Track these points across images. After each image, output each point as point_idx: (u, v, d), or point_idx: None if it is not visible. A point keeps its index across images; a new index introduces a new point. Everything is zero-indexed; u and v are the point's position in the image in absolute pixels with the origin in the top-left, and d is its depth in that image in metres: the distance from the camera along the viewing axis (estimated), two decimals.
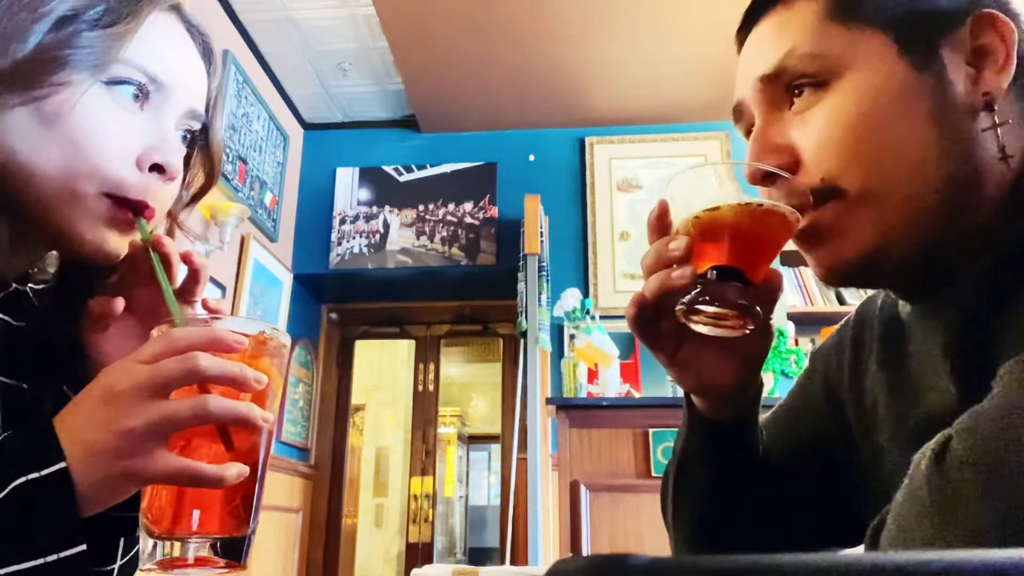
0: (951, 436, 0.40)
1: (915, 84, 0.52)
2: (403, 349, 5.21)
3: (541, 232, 3.13)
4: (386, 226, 3.89)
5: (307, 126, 4.10)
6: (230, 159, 3.17)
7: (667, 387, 2.96)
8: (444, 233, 3.85)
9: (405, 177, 3.97)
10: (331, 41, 3.47)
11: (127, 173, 0.58)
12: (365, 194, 3.95)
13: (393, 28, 3.19)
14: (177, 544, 0.50)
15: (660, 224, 0.59)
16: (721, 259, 0.55)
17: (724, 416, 0.64)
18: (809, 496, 0.68)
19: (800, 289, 3.40)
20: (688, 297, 0.54)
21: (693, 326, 0.56)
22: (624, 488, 2.35)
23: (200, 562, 0.50)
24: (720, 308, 0.54)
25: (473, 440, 7.81)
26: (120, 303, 0.61)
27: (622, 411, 2.45)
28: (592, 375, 2.78)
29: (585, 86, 3.60)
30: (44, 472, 0.45)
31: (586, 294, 3.54)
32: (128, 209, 0.59)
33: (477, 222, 3.85)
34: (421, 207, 3.90)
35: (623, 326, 0.62)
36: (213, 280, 3.02)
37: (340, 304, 4.29)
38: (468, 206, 3.88)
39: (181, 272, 0.63)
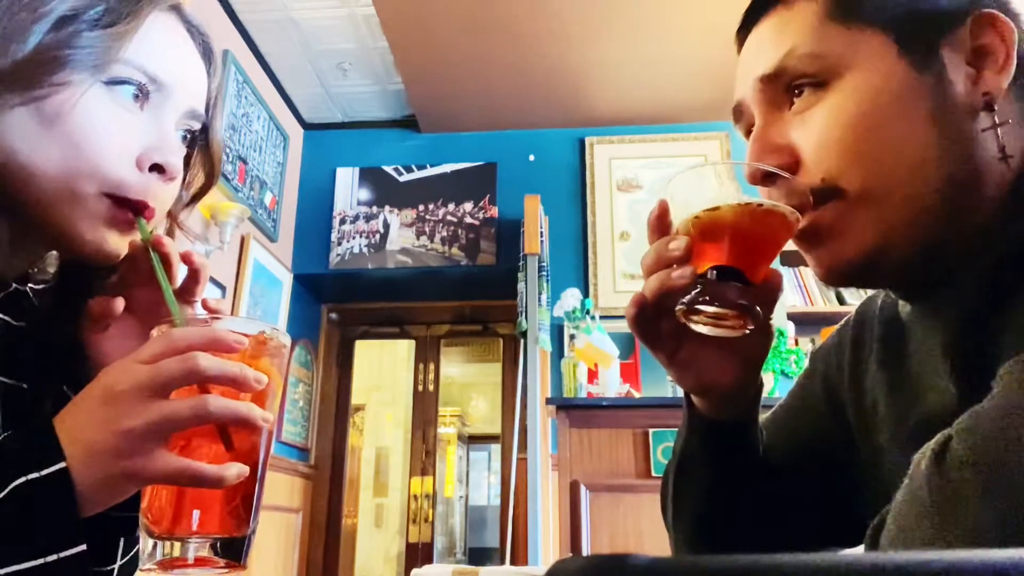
0: (951, 436, 0.40)
1: (915, 84, 0.52)
2: (403, 349, 5.21)
3: (541, 232, 3.13)
4: (386, 226, 3.89)
5: (307, 126, 4.10)
6: (230, 159, 3.17)
7: (667, 387, 2.96)
8: (444, 233, 3.85)
9: (405, 177, 3.97)
10: (331, 41, 3.47)
11: (127, 173, 0.58)
12: (365, 194, 3.95)
13: (393, 28, 3.19)
14: (177, 544, 0.50)
15: (660, 224, 0.59)
16: (721, 259, 0.55)
17: (724, 416, 0.64)
18: (809, 496, 0.68)
19: (800, 289, 3.40)
20: (688, 297, 0.54)
21: (693, 326, 0.56)
22: (624, 488, 2.35)
23: (200, 562, 0.50)
24: (720, 308, 0.54)
25: (473, 440, 7.81)
26: (120, 303, 0.61)
27: (622, 411, 2.45)
28: (592, 375, 2.78)
29: (585, 86, 3.60)
30: (44, 472, 0.45)
31: (586, 294, 3.54)
32: (128, 209, 0.59)
33: (477, 222, 3.85)
34: (421, 207, 3.90)
35: (623, 326, 0.62)
36: (213, 280, 3.02)
37: (340, 304, 4.29)
38: (468, 206, 3.88)
39: (181, 272, 0.63)
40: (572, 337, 2.95)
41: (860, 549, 0.61)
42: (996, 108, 0.52)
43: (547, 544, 2.72)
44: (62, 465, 0.46)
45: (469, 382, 7.70)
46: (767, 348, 0.62)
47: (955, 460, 0.38)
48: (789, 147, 0.56)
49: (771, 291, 0.57)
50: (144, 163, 0.59)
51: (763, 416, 0.72)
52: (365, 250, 3.85)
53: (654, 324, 0.59)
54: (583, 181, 3.84)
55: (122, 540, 0.61)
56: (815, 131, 0.55)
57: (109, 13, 0.57)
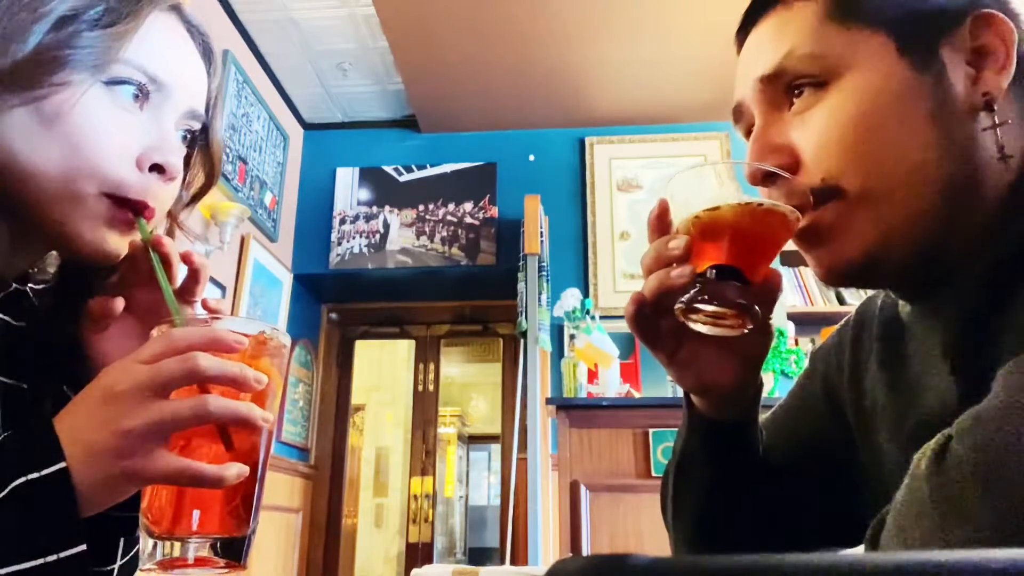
0: (951, 436, 0.40)
1: (915, 84, 0.52)
2: (403, 349, 5.21)
3: (541, 232, 3.13)
4: (386, 226, 3.89)
5: (307, 126, 4.10)
6: (230, 159, 3.17)
7: (667, 387, 2.96)
8: (444, 233, 3.85)
9: (405, 177, 3.97)
10: (331, 41, 3.47)
11: (127, 173, 0.58)
12: (365, 194, 3.95)
13: (393, 28, 3.19)
14: (177, 544, 0.50)
15: (660, 223, 0.59)
16: (721, 258, 0.55)
17: (724, 416, 0.64)
18: (809, 496, 0.68)
19: (800, 289, 3.40)
20: (687, 296, 0.54)
21: (692, 325, 0.56)
22: (624, 488, 2.35)
23: (200, 562, 0.50)
24: (719, 307, 0.54)
25: (473, 440, 7.81)
26: (120, 303, 0.61)
27: (622, 411, 2.45)
28: (592, 375, 2.78)
29: (585, 86, 3.60)
30: (44, 472, 0.45)
31: (586, 294, 3.54)
32: (128, 209, 0.59)
33: (477, 222, 3.85)
34: (421, 207, 3.90)
35: (623, 326, 0.62)
36: (213, 280, 3.02)
37: (340, 304, 4.29)
38: (468, 206, 3.88)
39: (181, 272, 0.62)
40: (572, 337, 2.95)
41: (860, 549, 0.61)
42: (996, 108, 0.52)
43: (547, 544, 2.72)
44: (62, 465, 0.46)
45: (469, 382, 7.70)
46: (767, 348, 0.62)
47: (955, 460, 0.38)
48: (789, 147, 0.56)
49: (770, 291, 0.57)
50: (144, 163, 0.59)
51: (763, 416, 0.72)
52: (365, 250, 3.85)
53: (653, 323, 0.60)
54: (583, 181, 3.84)
55: (122, 540, 0.61)
56: (815, 131, 0.55)
57: (109, 13, 0.57)
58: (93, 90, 0.56)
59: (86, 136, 0.56)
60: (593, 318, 2.84)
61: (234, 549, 0.51)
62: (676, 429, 0.70)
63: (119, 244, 0.60)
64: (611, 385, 2.67)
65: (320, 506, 4.03)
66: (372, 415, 6.24)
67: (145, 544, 0.51)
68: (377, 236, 3.87)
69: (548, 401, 2.56)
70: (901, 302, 0.61)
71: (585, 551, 2.32)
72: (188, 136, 0.66)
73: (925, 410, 0.54)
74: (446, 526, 6.63)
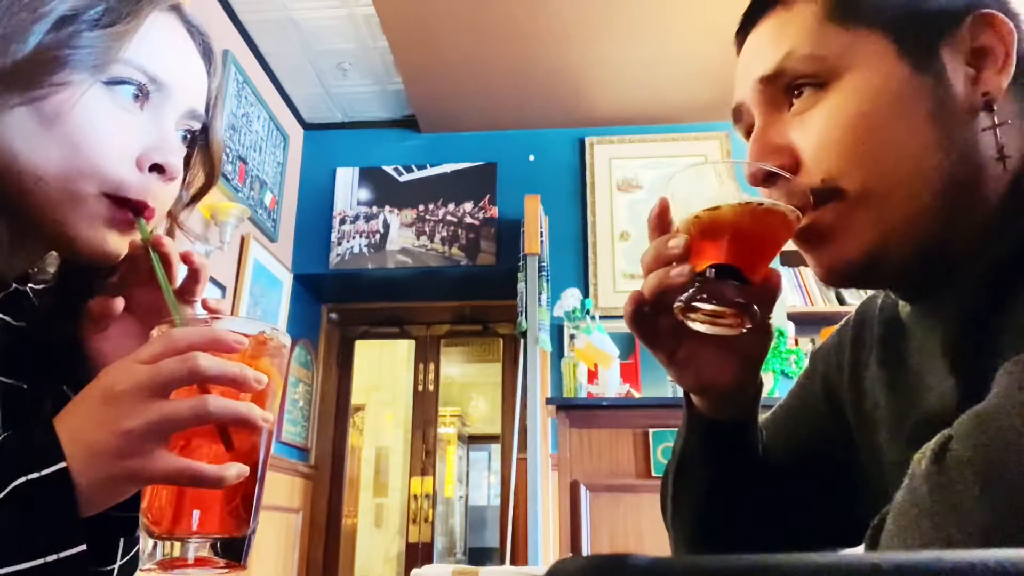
0: (951, 436, 0.40)
1: (915, 84, 0.52)
2: (403, 349, 5.21)
3: (541, 232, 3.13)
4: (386, 226, 3.89)
5: (307, 126, 4.10)
6: (230, 159, 3.17)
7: (667, 387, 2.96)
8: (444, 233, 3.85)
9: (405, 177, 3.97)
10: (331, 41, 3.47)
11: (127, 173, 0.58)
12: (365, 194, 3.95)
13: (393, 28, 3.19)
14: (177, 544, 0.50)
15: (660, 222, 0.59)
16: (720, 257, 0.55)
17: (724, 415, 0.64)
18: (809, 496, 0.68)
19: (800, 289, 3.40)
20: (686, 294, 0.54)
21: (690, 324, 0.56)
22: (624, 488, 2.35)
23: (200, 562, 0.50)
24: (717, 306, 0.54)
25: (473, 440, 7.81)
26: (120, 303, 0.61)
27: (622, 411, 2.45)
28: (592, 375, 2.78)
29: (585, 86, 3.60)
30: (44, 472, 0.45)
31: (586, 294, 3.54)
32: (128, 209, 0.59)
33: (477, 222, 3.85)
34: (421, 207, 3.90)
35: (623, 326, 0.62)
36: (213, 280, 3.02)
37: (340, 304, 4.29)
38: (468, 206, 3.88)
39: (181, 272, 0.63)
40: (572, 337, 2.95)
41: (860, 549, 0.61)
42: (996, 108, 0.52)
43: (547, 544, 2.72)
44: (62, 465, 0.46)
45: (469, 382, 7.70)
46: (766, 348, 0.62)
47: (955, 460, 0.38)
48: (789, 148, 0.56)
49: (770, 290, 0.57)
50: (144, 163, 0.59)
51: (763, 416, 0.72)
52: (365, 250, 3.85)
53: (652, 322, 0.60)
54: (583, 181, 3.84)
55: (122, 540, 0.61)
56: (815, 132, 0.55)
57: (109, 13, 0.57)
58: (93, 90, 0.56)
59: (86, 136, 0.56)
60: (593, 318, 2.84)
61: (234, 549, 0.51)
62: (676, 429, 0.70)
63: (119, 244, 0.60)
64: (611, 385, 2.67)
65: (320, 506, 4.03)
66: (372, 415, 6.24)
67: (145, 544, 0.51)
68: (377, 236, 3.87)
69: (548, 401, 2.56)
70: (901, 302, 0.61)
71: (585, 551, 2.32)
72: (188, 136, 0.66)
73: (925, 410, 0.54)
74: (446, 526, 6.63)
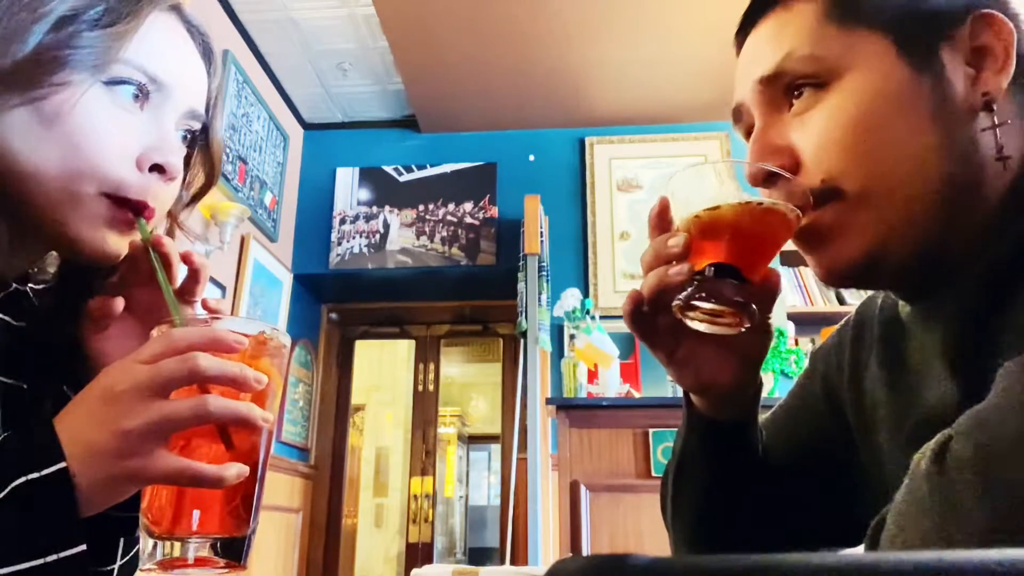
0: (951, 436, 0.40)
1: (914, 85, 0.52)
2: (403, 349, 5.21)
3: (541, 232, 3.13)
4: (386, 226, 3.89)
5: (307, 126, 4.10)
6: (230, 159, 3.17)
7: (667, 387, 2.96)
8: (444, 233, 3.85)
9: (405, 177, 3.97)
10: (331, 41, 3.47)
11: (127, 173, 0.58)
12: (365, 194, 3.95)
13: (393, 28, 3.19)
14: (177, 544, 0.50)
15: (660, 221, 0.59)
16: (720, 257, 0.55)
17: (723, 415, 0.64)
18: (809, 496, 0.68)
19: (800, 289, 3.40)
20: (685, 293, 0.54)
21: (689, 322, 0.56)
22: (624, 488, 2.35)
23: (200, 562, 0.50)
24: (716, 305, 0.54)
25: (473, 440, 7.81)
26: (120, 303, 0.61)
27: (622, 411, 2.45)
28: (592, 375, 2.78)
29: (585, 86, 3.60)
30: (44, 472, 0.45)
31: (586, 294, 3.54)
32: (128, 209, 0.59)
33: (477, 222, 3.85)
34: (421, 207, 3.90)
35: (623, 326, 0.62)
36: (213, 280, 3.02)
37: (340, 304, 4.29)
38: (468, 206, 3.88)
39: (181, 272, 0.62)
40: (572, 337, 2.95)
41: (860, 549, 0.61)
42: (995, 108, 0.52)
43: (547, 544, 2.72)
44: (62, 465, 0.46)
45: (469, 382, 7.70)
46: (766, 347, 0.62)
47: (955, 460, 0.38)
48: (789, 148, 0.56)
49: (769, 290, 0.57)
50: (144, 163, 0.59)
51: (763, 416, 0.72)
52: (365, 250, 3.85)
53: (651, 321, 0.60)
54: (583, 181, 3.84)
55: (122, 540, 0.61)
56: (815, 132, 0.55)
57: (109, 13, 0.57)
58: (93, 90, 0.56)
59: (86, 136, 0.56)
60: (593, 318, 2.84)
61: (234, 549, 0.51)
62: (676, 429, 0.70)
63: (119, 244, 0.60)
64: (611, 385, 2.67)
65: (320, 506, 4.03)
66: (372, 415, 6.24)
67: (145, 544, 0.51)
68: (377, 236, 3.87)
69: (548, 401, 2.56)
70: (901, 302, 0.61)
71: (585, 551, 2.32)
72: (188, 136, 0.66)
73: (925, 410, 0.54)
74: (446, 526, 6.63)
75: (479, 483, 8.05)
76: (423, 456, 4.48)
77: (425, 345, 4.60)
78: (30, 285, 0.65)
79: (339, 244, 3.87)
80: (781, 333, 2.86)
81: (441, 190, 3.92)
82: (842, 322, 0.71)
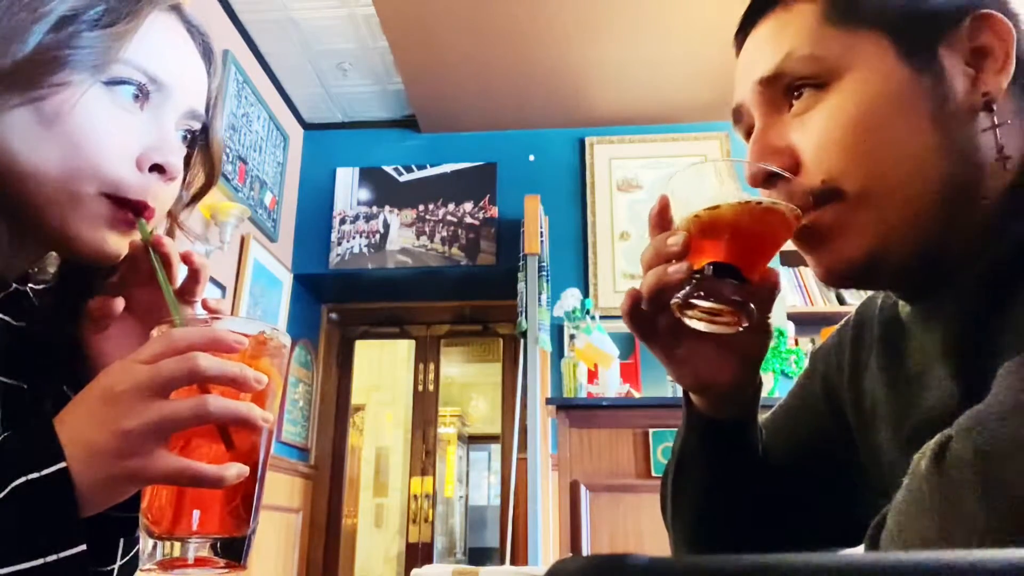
0: (951, 436, 0.40)
1: (914, 85, 0.52)
2: (403, 349, 5.21)
3: (541, 232, 3.13)
4: (386, 226, 3.89)
5: (307, 126, 4.10)
6: (230, 159, 3.17)
7: (667, 387, 2.96)
8: (444, 233, 3.85)
9: (405, 177, 3.97)
10: (331, 41, 3.47)
11: (127, 173, 0.58)
12: (365, 194, 3.95)
13: (393, 28, 3.19)
14: (177, 544, 0.50)
15: (661, 219, 0.59)
16: (720, 256, 0.55)
17: (723, 415, 0.64)
18: (809, 496, 0.68)
19: (800, 289, 3.40)
20: (683, 292, 0.55)
21: (688, 321, 0.56)
22: (624, 488, 2.35)
23: (200, 562, 0.50)
24: (715, 303, 0.54)
25: (473, 440, 7.81)
26: (120, 303, 0.61)
27: (622, 411, 2.45)
28: (592, 375, 2.78)
29: (585, 86, 3.60)
30: (44, 472, 0.45)
31: (586, 294, 3.54)
32: (128, 209, 0.59)
33: (477, 222, 3.85)
34: (421, 207, 3.90)
35: (623, 326, 0.62)
36: (213, 280, 3.02)
37: (340, 304, 4.29)
38: (468, 206, 3.88)
39: (181, 272, 0.62)
40: (572, 337, 2.95)
41: (860, 549, 0.61)
42: (995, 108, 0.52)
43: (547, 544, 2.72)
44: (62, 465, 0.46)
45: (469, 382, 7.70)
46: (765, 347, 0.62)
47: (955, 460, 0.38)
48: (789, 149, 0.56)
49: (768, 289, 0.57)
50: (144, 163, 0.59)
51: (763, 416, 0.72)
52: (365, 250, 3.85)
53: (650, 319, 0.60)
54: (583, 181, 3.84)
55: (122, 540, 0.61)
56: (815, 132, 0.55)
57: (109, 13, 0.57)
58: (93, 90, 0.56)
59: (86, 136, 0.56)
60: (593, 318, 2.84)
61: (234, 549, 0.51)
62: (676, 429, 0.70)
63: (119, 244, 0.60)
64: (611, 385, 2.67)
65: (320, 506, 4.03)
66: (372, 415, 6.24)
67: (145, 544, 0.51)
68: (377, 236, 3.87)
69: (548, 401, 2.56)
70: (901, 302, 0.61)
71: (585, 551, 2.32)
72: (188, 136, 0.66)
73: (925, 410, 0.54)
74: (446, 526, 6.63)
75: (479, 483, 8.05)
76: (423, 456, 4.48)
77: (425, 345, 4.60)
78: (30, 285, 0.65)
79: (339, 244, 3.87)
80: (781, 333, 2.86)
81: (441, 190, 3.92)
82: (842, 322, 0.71)
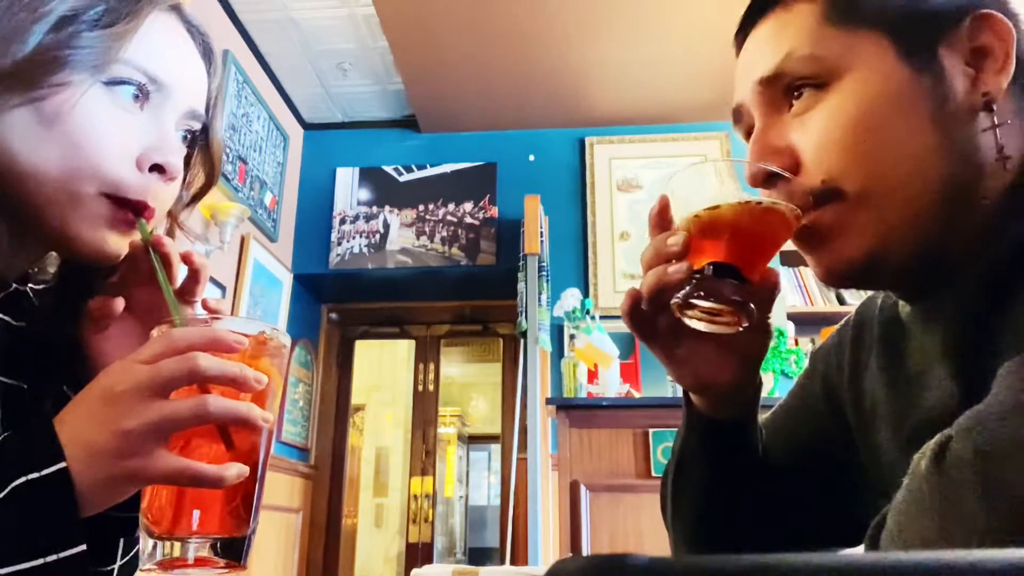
0: (951, 436, 0.40)
1: (914, 85, 0.52)
2: (403, 349, 5.21)
3: (541, 232, 3.13)
4: (386, 226, 3.89)
5: (307, 126, 4.10)
6: (230, 159, 3.17)
7: (667, 387, 2.96)
8: (444, 233, 3.85)
9: (405, 177, 3.97)
10: (331, 41, 3.47)
11: (127, 173, 0.58)
12: (365, 194, 3.95)
13: (393, 28, 3.19)
14: (177, 544, 0.50)
15: (661, 219, 0.59)
16: (720, 256, 0.55)
17: (723, 415, 0.64)
18: (809, 496, 0.68)
19: (800, 289, 3.40)
20: (683, 291, 0.55)
21: (687, 321, 0.56)
22: (624, 488, 2.35)
23: (200, 562, 0.50)
24: (714, 303, 0.54)
25: (473, 440, 7.81)
26: (120, 303, 0.61)
27: (622, 411, 2.45)
28: (592, 375, 2.78)
29: (585, 86, 3.60)
30: (44, 472, 0.45)
31: (586, 294, 3.54)
32: (128, 209, 0.59)
33: (477, 222, 3.85)
34: (421, 207, 3.90)
35: (623, 326, 0.62)
36: (213, 280, 3.02)
37: (340, 304, 4.29)
38: (468, 206, 3.88)
39: (181, 272, 0.63)
40: (572, 337, 2.95)
41: (860, 549, 0.61)
42: (995, 108, 0.52)
43: (547, 544, 2.72)
44: (62, 465, 0.46)
45: (469, 382, 7.70)
46: (765, 347, 0.62)
47: (955, 460, 0.38)
48: (789, 149, 0.56)
49: (768, 289, 0.57)
50: (144, 163, 0.59)
51: (763, 416, 0.72)
52: (365, 250, 3.85)
53: (650, 319, 0.60)
54: (583, 181, 3.84)
55: (122, 540, 0.61)
56: (815, 132, 0.55)
57: (109, 13, 0.57)
58: (93, 90, 0.56)
59: (86, 136, 0.56)
60: (593, 318, 2.84)
61: (234, 549, 0.51)
62: (676, 429, 0.70)
63: (119, 244, 0.60)
64: (611, 385, 2.67)
65: (320, 506, 4.03)
66: (372, 415, 6.24)
67: (145, 544, 0.51)
68: (377, 236, 3.87)
69: (548, 401, 2.56)
70: (901, 302, 0.61)
71: (585, 551, 2.32)
72: (188, 136, 0.66)
73: (925, 410, 0.54)
74: (446, 526, 6.63)
75: (479, 483, 8.05)
76: (423, 456, 4.48)
77: (425, 345, 4.60)
78: (30, 285, 0.65)
79: (339, 244, 3.87)
80: (781, 333, 2.86)
81: (441, 190, 3.92)
82: (842, 322, 0.71)
